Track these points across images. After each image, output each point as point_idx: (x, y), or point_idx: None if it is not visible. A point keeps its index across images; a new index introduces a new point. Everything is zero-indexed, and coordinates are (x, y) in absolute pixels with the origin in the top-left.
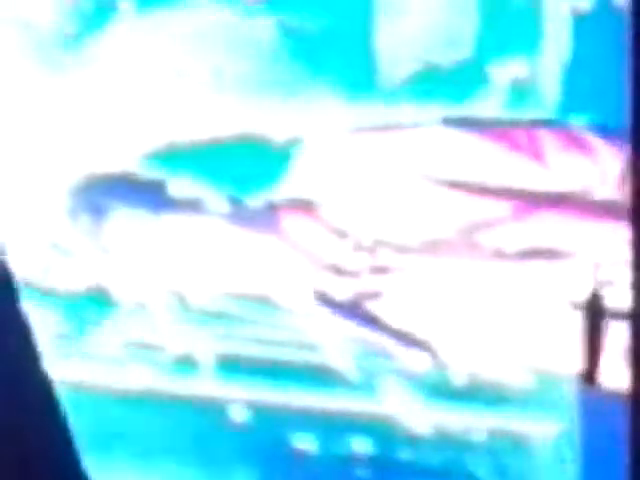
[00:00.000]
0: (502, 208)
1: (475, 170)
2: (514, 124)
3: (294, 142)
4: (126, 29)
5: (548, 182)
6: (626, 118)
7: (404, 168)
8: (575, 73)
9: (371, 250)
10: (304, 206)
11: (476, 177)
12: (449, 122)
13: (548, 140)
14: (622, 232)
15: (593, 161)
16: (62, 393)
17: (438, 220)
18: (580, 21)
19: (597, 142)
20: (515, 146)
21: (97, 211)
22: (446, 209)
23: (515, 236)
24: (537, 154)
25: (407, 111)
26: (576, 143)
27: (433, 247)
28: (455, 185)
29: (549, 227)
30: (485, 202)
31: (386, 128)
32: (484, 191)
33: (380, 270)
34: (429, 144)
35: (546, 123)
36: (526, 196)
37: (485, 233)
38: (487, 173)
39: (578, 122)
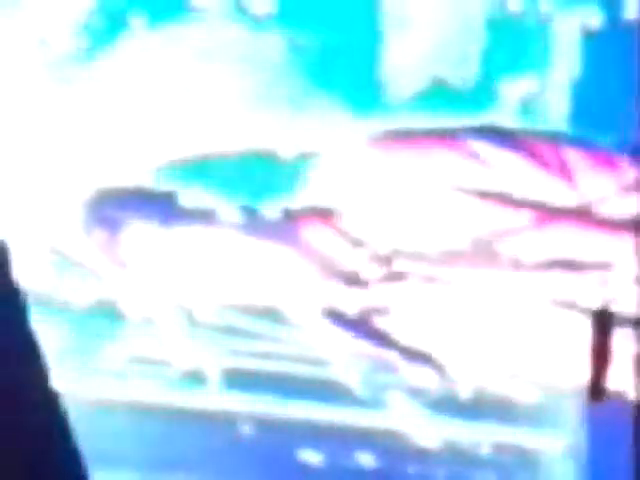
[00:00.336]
0: (522, 219)
1: (496, 180)
2: (538, 137)
3: (305, 155)
4: (137, 44)
5: (571, 195)
6: (636, 133)
7: (423, 177)
8: (585, 90)
9: (387, 260)
10: (318, 216)
11: (496, 187)
12: (470, 132)
13: (573, 155)
14: (625, 246)
15: (617, 177)
16: (69, 407)
17: (455, 230)
18: (590, 38)
19: (621, 159)
20: (540, 159)
21: (111, 225)
22: (464, 219)
23: (533, 248)
24: (562, 169)
25: (415, 127)
26: (601, 159)
27: (449, 257)
28: (474, 194)
29: (568, 240)
30: (505, 212)
31: (404, 137)
32: (504, 201)
33: (395, 280)
34: (449, 154)
35: (570, 138)
36: (548, 209)
37: (503, 243)
38: (509, 184)
39: (603, 139)
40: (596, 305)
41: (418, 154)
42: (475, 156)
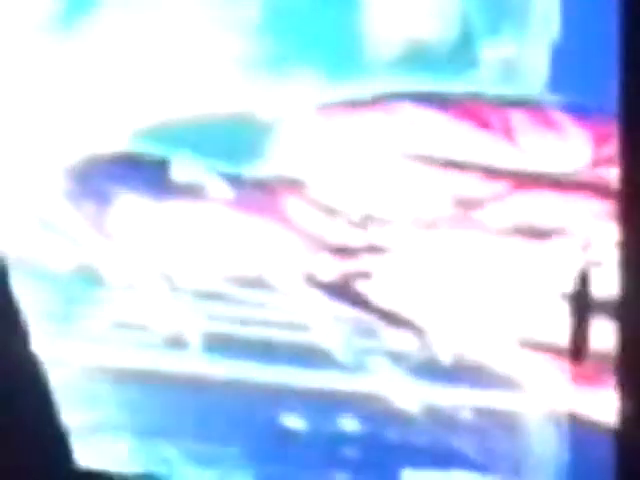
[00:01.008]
0: (489, 186)
1: (450, 147)
2: (484, 101)
3: (279, 120)
4: (118, 8)
5: (517, 160)
6: (615, 99)
7: (381, 144)
8: (564, 53)
9: (361, 227)
10: (292, 185)
11: (455, 154)
12: (419, 99)
13: (518, 118)
14: (589, 211)
15: (562, 140)
16: (50, 372)
17: (425, 197)
18: (570, 0)
19: (566, 121)
20: (483, 124)
21: (96, 193)
22: (430, 186)
23: (497, 214)
24: (506, 132)
25: (392, 89)
26: (546, 121)
27: (420, 224)
28: (435, 162)
29: (525, 205)
30: (457, 178)
31: (361, 104)
32: (458, 168)
33: (370, 247)
34: (402, 120)
35: (518, 101)
36: (496, 174)
37: (465, 210)
38: (458, 150)
39: (551, 101)
40: (575, 270)
41: (363, 120)
42: (420, 121)
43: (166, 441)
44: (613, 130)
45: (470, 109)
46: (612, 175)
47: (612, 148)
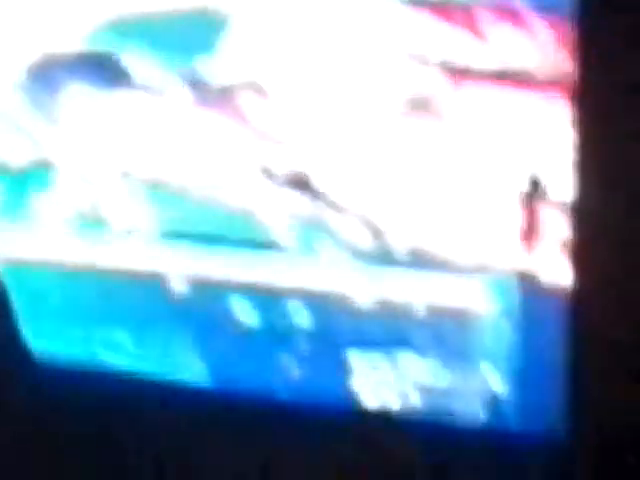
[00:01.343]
0: (441, 81)
1: (414, 43)
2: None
3: (235, 15)
4: None
5: (486, 57)
6: None
7: (347, 40)
8: None
9: (320, 123)
10: (249, 82)
11: (415, 50)
12: None
13: (485, 15)
14: (560, 110)
15: (531, 37)
16: (4, 267)
17: (381, 91)
18: None
19: (535, 18)
20: (452, 20)
21: (49, 86)
22: (388, 80)
23: (453, 111)
24: (474, 29)
25: None
26: (514, 18)
27: (375, 116)
28: (397, 57)
29: (487, 102)
30: (424, 75)
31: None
32: (424, 64)
33: (327, 142)
34: (366, 15)
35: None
36: (463, 71)
37: (426, 105)
38: (425, 46)
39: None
40: (530, 166)
41: (322, 15)
42: (401, 20)
43: (115, 333)
44: (571, 29)
45: (438, 7)
46: (571, 74)
47: (570, 47)
